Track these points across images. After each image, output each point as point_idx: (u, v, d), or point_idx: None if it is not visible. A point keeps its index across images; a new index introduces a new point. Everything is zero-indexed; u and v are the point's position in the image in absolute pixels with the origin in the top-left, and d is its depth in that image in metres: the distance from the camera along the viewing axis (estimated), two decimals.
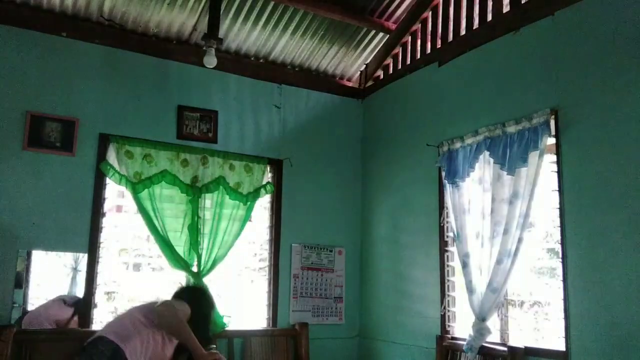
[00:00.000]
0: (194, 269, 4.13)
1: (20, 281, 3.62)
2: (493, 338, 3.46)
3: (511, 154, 3.38)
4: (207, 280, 4.14)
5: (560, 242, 3.15)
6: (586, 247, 3.00)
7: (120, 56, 4.16)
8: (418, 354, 4.08)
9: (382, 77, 5.08)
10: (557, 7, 3.33)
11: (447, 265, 3.99)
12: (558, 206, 3.18)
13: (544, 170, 3.27)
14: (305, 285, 4.64)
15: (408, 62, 4.76)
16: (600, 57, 3.06)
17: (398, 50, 4.90)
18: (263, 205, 4.66)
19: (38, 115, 3.81)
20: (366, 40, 4.92)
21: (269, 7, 4.40)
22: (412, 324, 4.20)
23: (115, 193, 4.14)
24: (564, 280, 3.09)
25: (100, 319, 3.84)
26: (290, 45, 4.77)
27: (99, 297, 3.92)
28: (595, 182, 3.00)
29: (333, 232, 4.84)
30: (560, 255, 3.13)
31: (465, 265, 3.61)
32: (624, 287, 2.80)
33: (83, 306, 3.78)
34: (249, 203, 4.40)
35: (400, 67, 4.86)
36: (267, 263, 4.61)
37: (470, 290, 3.54)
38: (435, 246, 4.07)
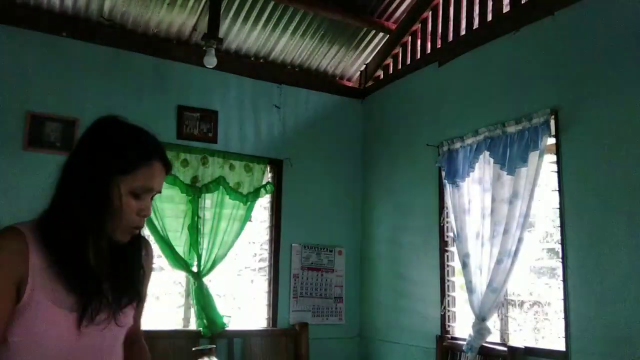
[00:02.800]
0: (194, 269, 4.13)
1: None
2: (493, 338, 3.46)
3: (511, 154, 3.38)
4: (207, 280, 4.15)
5: (560, 242, 3.14)
6: (586, 247, 3.00)
7: (120, 56, 4.16)
8: (418, 354, 4.08)
9: (382, 77, 5.08)
10: (557, 7, 3.33)
11: (447, 265, 3.99)
12: (558, 206, 3.18)
13: (544, 170, 3.27)
14: (305, 285, 4.64)
15: (408, 62, 4.76)
16: (600, 57, 3.06)
17: (398, 50, 4.90)
18: (263, 205, 4.66)
19: (38, 115, 3.81)
20: (366, 40, 4.92)
21: (269, 7, 4.40)
22: (412, 324, 4.20)
23: None
24: (564, 280, 3.08)
25: None
26: (290, 45, 4.76)
27: None
28: (595, 182, 3.00)
29: (333, 232, 4.84)
30: (560, 255, 3.13)
31: (465, 265, 3.61)
32: (624, 287, 2.79)
33: None
34: (249, 203, 4.40)
35: (400, 67, 4.86)
36: (267, 263, 4.61)
37: (470, 290, 3.54)
38: (435, 246, 4.06)
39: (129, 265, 1.32)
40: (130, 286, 1.31)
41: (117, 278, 1.28)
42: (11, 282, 1.14)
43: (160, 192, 1.31)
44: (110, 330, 1.26)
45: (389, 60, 5.01)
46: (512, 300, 3.55)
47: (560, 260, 3.13)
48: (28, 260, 1.15)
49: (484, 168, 3.62)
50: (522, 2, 3.63)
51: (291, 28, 4.61)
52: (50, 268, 1.17)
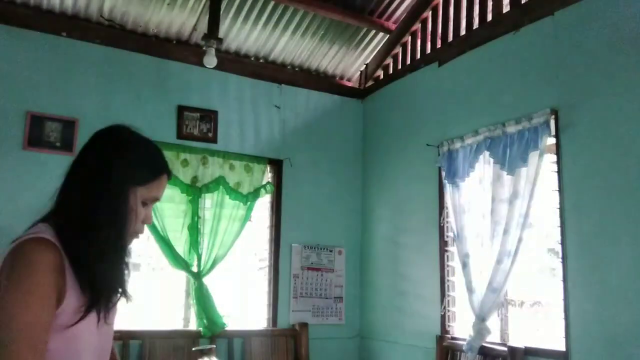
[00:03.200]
0: (194, 269, 4.13)
1: None
2: (493, 338, 3.46)
3: (511, 154, 3.38)
4: (207, 280, 4.14)
5: (560, 242, 3.15)
6: (586, 247, 3.00)
7: (120, 56, 4.16)
8: (418, 354, 4.08)
9: (382, 77, 5.08)
10: (557, 7, 3.33)
11: (447, 265, 3.99)
12: (558, 206, 3.18)
13: (544, 170, 3.27)
14: (305, 285, 4.64)
15: (408, 62, 4.76)
16: (600, 57, 3.06)
17: (398, 50, 4.90)
18: (263, 205, 4.66)
19: (38, 115, 3.81)
20: (366, 40, 4.92)
21: (269, 7, 4.40)
22: (412, 324, 4.20)
23: None
24: (564, 280, 3.08)
25: None
26: (290, 45, 4.76)
27: None
28: (595, 182, 3.00)
29: (333, 232, 4.84)
30: (560, 255, 3.13)
31: (465, 265, 3.61)
32: (624, 287, 2.79)
33: None
34: (249, 203, 4.40)
35: (400, 67, 4.86)
36: (267, 263, 4.61)
37: (470, 290, 3.54)
38: (435, 246, 4.06)
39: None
40: (120, 286, 1.35)
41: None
42: (54, 297, 1.15)
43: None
44: (107, 329, 1.33)
45: (389, 60, 5.01)
46: (512, 300, 3.55)
47: (560, 260, 3.13)
48: (65, 272, 1.17)
49: (484, 168, 3.62)
50: (522, 2, 3.63)
51: (291, 28, 4.61)
52: (68, 269, 1.19)
